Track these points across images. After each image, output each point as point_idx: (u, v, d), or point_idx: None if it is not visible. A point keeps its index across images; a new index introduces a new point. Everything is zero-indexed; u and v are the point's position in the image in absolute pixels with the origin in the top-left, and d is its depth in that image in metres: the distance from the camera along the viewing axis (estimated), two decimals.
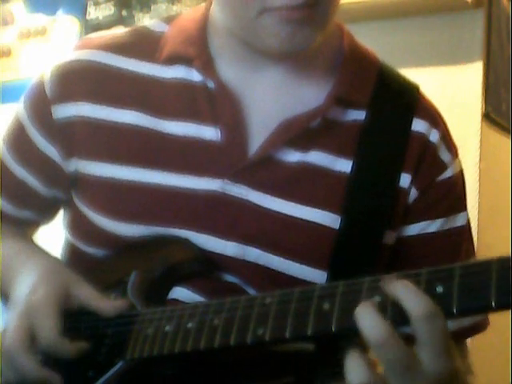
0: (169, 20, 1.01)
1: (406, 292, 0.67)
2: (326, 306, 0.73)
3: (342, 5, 0.98)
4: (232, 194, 0.92)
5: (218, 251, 0.92)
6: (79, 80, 0.96)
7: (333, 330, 0.71)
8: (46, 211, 1.07)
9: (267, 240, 0.91)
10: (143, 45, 0.98)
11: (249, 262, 0.91)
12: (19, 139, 1.02)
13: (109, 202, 0.95)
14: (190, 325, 0.80)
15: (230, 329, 0.77)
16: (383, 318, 0.68)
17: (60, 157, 0.98)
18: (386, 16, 1.94)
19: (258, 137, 0.93)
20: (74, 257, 1.01)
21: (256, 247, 0.91)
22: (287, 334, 0.74)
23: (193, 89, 0.94)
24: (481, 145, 1.85)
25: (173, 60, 0.95)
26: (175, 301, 0.91)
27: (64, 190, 1.01)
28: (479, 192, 1.82)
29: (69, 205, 1.02)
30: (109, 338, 0.87)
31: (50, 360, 0.88)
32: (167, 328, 0.82)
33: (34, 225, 1.09)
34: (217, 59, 0.95)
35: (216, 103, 0.93)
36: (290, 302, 0.75)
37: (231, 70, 0.95)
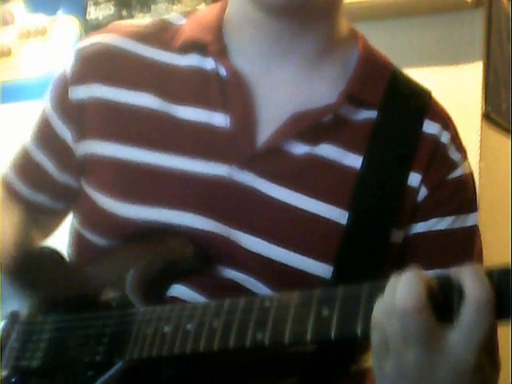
0: (187, 14, 1.05)
1: (470, 274, 0.66)
2: (325, 312, 0.72)
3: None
4: (238, 180, 0.92)
5: (221, 235, 0.91)
6: (96, 62, 0.99)
7: (332, 336, 0.71)
8: (58, 198, 1.08)
9: (272, 230, 0.91)
10: (162, 35, 1.01)
11: (252, 253, 0.91)
12: (41, 122, 1.05)
13: (116, 183, 0.96)
14: (188, 326, 0.80)
15: (229, 332, 0.77)
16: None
17: (72, 139, 1.00)
18: (386, 16, 1.94)
19: (267, 127, 0.94)
20: (79, 246, 1.02)
21: (260, 237, 0.91)
22: (286, 340, 0.74)
23: (205, 76, 0.96)
24: (481, 145, 1.85)
25: (188, 47, 0.98)
26: (174, 298, 0.91)
27: (75, 177, 1.03)
28: (479, 192, 1.82)
29: (78, 194, 1.02)
30: (107, 338, 0.87)
31: (49, 360, 0.89)
32: (166, 329, 0.82)
33: (46, 212, 1.10)
34: (231, 48, 0.98)
35: (227, 90, 0.95)
36: (288, 307, 0.75)
37: (245, 61, 0.97)
